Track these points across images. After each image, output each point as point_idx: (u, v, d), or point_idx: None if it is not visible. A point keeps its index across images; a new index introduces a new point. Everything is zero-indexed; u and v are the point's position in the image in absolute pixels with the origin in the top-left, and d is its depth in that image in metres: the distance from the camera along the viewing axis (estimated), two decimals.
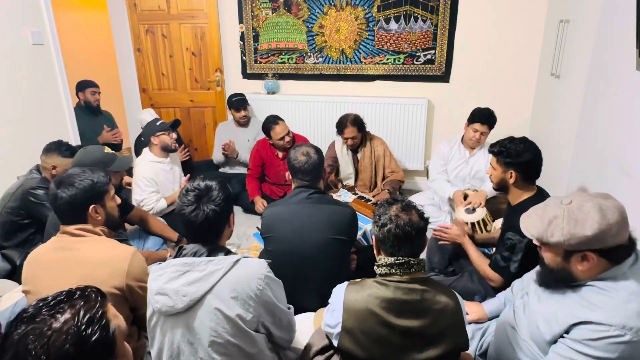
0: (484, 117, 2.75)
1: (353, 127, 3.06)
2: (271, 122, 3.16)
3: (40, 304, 0.82)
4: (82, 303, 0.82)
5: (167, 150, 2.79)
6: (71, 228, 1.52)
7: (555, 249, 1.17)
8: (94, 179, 1.57)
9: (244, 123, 3.67)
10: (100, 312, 0.82)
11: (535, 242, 1.24)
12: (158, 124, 2.76)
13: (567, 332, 1.15)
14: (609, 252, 1.12)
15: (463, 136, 2.92)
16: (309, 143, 2.69)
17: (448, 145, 2.96)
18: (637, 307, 1.07)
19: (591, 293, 1.15)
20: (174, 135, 2.84)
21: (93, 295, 0.85)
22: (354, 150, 3.24)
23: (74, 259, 1.46)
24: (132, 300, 1.48)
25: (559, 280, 1.21)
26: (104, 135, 3.54)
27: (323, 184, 3.05)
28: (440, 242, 2.15)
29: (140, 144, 3.60)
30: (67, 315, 0.79)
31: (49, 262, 1.48)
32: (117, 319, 0.86)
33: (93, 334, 0.79)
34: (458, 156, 2.91)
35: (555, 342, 1.19)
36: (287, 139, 3.17)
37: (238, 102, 3.60)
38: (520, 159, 1.77)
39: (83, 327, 0.78)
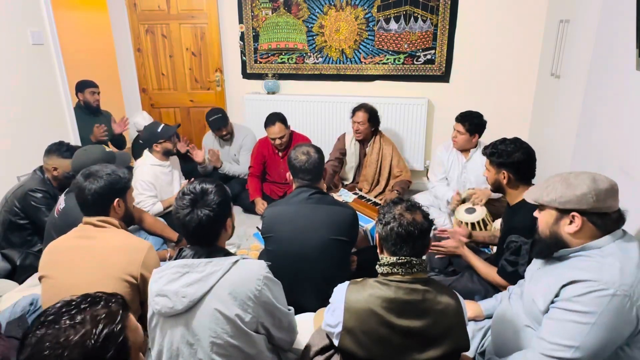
0: (461, 116, 2.78)
1: (364, 114, 3.10)
2: (270, 120, 3.14)
3: (63, 309, 0.82)
4: (103, 315, 0.82)
5: (168, 154, 2.83)
6: (93, 219, 1.59)
7: (548, 210, 1.28)
8: (120, 174, 1.67)
9: (227, 139, 3.54)
10: (120, 326, 0.82)
11: (534, 203, 1.34)
12: (160, 130, 2.76)
13: (557, 295, 1.20)
14: (595, 217, 1.20)
15: None
16: (309, 143, 2.71)
17: (445, 151, 2.96)
18: (620, 265, 1.14)
19: (579, 261, 1.22)
20: (176, 140, 2.87)
21: (116, 307, 0.85)
22: (362, 143, 3.26)
23: (93, 246, 1.53)
24: (144, 292, 1.50)
25: (550, 245, 1.29)
26: (94, 133, 3.50)
27: (325, 185, 3.06)
28: (437, 257, 2.14)
29: (139, 147, 3.60)
30: (87, 327, 0.79)
31: (69, 249, 1.54)
32: (135, 333, 0.86)
33: (108, 350, 0.79)
34: (457, 162, 2.91)
35: (548, 310, 1.24)
36: (278, 141, 3.16)
37: (216, 123, 3.37)
38: (511, 159, 1.80)
39: (100, 342, 0.79)
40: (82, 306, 0.82)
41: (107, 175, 1.62)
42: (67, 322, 0.79)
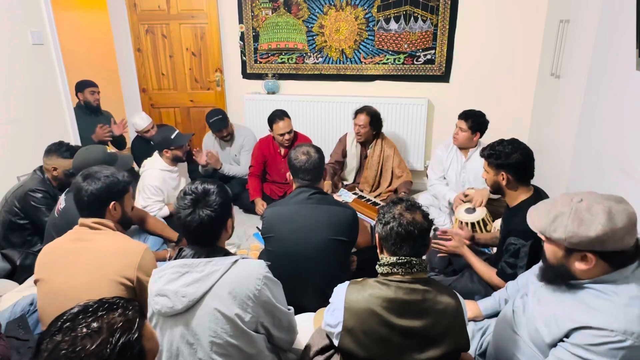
0: (465, 113, 2.79)
1: (366, 117, 3.10)
2: (277, 116, 3.16)
3: (80, 316, 0.81)
4: (120, 323, 0.81)
5: (177, 160, 2.84)
6: (89, 221, 1.58)
7: (557, 244, 1.17)
8: (119, 177, 1.65)
9: (227, 140, 3.54)
10: (136, 335, 0.81)
11: (539, 235, 1.24)
12: (173, 136, 2.76)
13: (566, 336, 1.14)
14: (610, 256, 1.11)
15: None
16: (310, 143, 2.71)
17: (445, 151, 2.97)
18: (638, 311, 1.06)
19: (591, 296, 1.13)
20: (187, 147, 2.88)
21: (133, 314, 0.84)
22: (363, 144, 3.26)
23: (88, 249, 1.52)
24: (140, 295, 1.50)
25: (558, 275, 1.21)
26: (97, 133, 3.51)
27: (329, 182, 3.07)
28: (439, 255, 2.14)
29: (138, 146, 3.59)
30: (103, 335, 0.78)
31: (65, 251, 1.53)
32: (150, 341, 0.86)
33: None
34: (456, 162, 2.91)
35: (554, 345, 1.18)
36: (287, 137, 3.17)
37: (217, 124, 3.36)
38: (510, 160, 1.79)
39: (116, 352, 0.78)
40: (99, 313, 0.82)
41: (105, 178, 1.61)
42: (84, 329, 0.78)
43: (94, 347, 0.77)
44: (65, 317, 0.81)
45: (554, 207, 1.18)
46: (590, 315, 1.10)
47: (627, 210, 1.11)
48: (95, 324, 0.79)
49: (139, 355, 0.82)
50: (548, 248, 1.22)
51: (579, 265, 1.14)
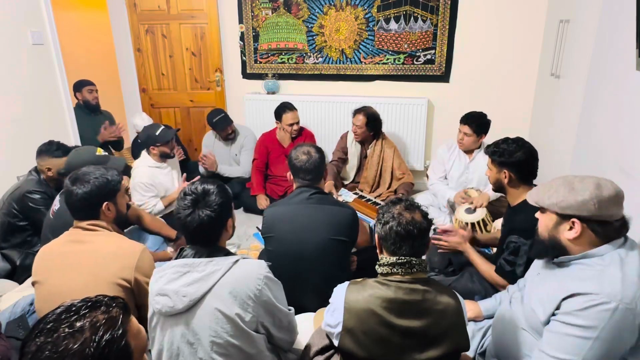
0: (466, 118, 2.76)
1: (363, 118, 3.11)
2: (286, 107, 3.26)
3: (62, 316, 0.80)
4: (103, 321, 0.80)
5: (165, 157, 2.82)
6: (84, 223, 1.57)
7: (549, 213, 1.26)
8: (108, 177, 1.62)
9: (232, 138, 3.56)
10: (120, 332, 0.80)
11: (535, 205, 1.31)
12: (158, 133, 2.74)
13: (558, 308, 1.18)
14: (596, 224, 1.18)
15: None
16: (310, 143, 2.72)
17: (448, 151, 2.95)
18: (622, 275, 1.12)
19: (579, 270, 1.20)
20: (174, 144, 2.86)
21: (116, 311, 0.83)
22: (362, 144, 3.28)
23: (85, 251, 1.50)
24: (138, 296, 1.50)
25: (549, 248, 1.28)
26: (103, 134, 3.52)
27: (331, 182, 3.08)
28: (440, 251, 2.14)
29: (138, 146, 3.59)
30: (86, 334, 0.77)
31: (61, 253, 1.52)
32: (137, 337, 0.85)
33: (109, 357, 0.78)
34: (458, 162, 2.90)
35: (549, 322, 1.22)
36: (296, 127, 3.27)
37: (222, 123, 3.39)
38: (513, 158, 1.80)
39: (100, 349, 0.77)
40: (82, 312, 0.81)
41: (94, 180, 1.57)
42: (67, 329, 0.78)
43: (77, 346, 0.76)
44: (48, 318, 0.80)
45: (551, 182, 1.29)
46: (578, 284, 1.16)
47: (614, 185, 1.20)
48: (78, 323, 0.79)
49: (125, 351, 0.81)
50: (541, 221, 1.30)
51: (567, 235, 1.22)
